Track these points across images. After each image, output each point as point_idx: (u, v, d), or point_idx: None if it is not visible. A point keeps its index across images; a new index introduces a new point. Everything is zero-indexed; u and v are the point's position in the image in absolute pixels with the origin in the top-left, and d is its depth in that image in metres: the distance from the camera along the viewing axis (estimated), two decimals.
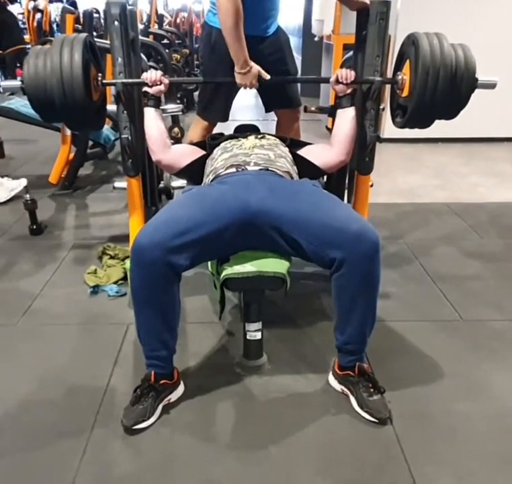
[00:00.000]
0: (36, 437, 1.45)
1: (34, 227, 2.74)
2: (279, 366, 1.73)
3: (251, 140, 1.89)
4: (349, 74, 1.86)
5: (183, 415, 1.53)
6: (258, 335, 1.67)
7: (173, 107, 2.75)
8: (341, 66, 2.45)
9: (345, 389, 1.60)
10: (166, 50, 4.60)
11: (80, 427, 1.47)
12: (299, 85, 2.52)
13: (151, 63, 3.64)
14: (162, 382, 1.52)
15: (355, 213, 1.54)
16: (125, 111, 1.96)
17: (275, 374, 1.70)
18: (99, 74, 1.87)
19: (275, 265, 1.54)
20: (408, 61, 1.82)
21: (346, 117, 1.90)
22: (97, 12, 7.24)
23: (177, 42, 6.23)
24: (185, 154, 1.95)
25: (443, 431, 1.47)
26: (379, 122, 2.10)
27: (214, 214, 1.47)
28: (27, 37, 8.49)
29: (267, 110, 2.57)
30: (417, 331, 1.93)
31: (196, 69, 7.45)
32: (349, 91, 1.89)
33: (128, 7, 1.95)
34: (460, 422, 1.51)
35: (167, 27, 7.60)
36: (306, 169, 1.87)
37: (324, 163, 1.89)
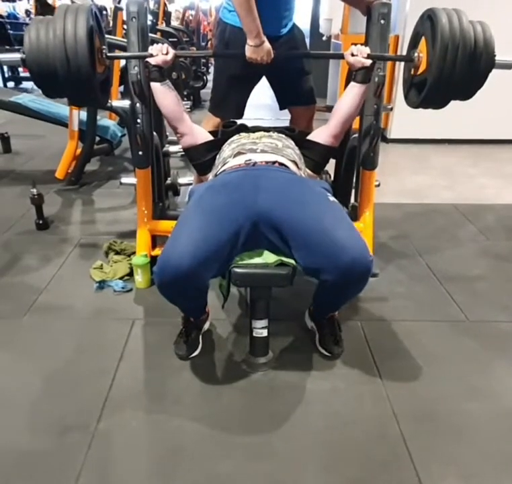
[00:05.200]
0: (42, 431, 1.45)
1: (40, 222, 2.74)
2: (285, 364, 1.73)
3: (259, 132, 1.90)
4: (362, 49, 1.84)
5: (189, 411, 1.53)
6: (264, 333, 1.67)
7: None
8: None
9: (314, 326, 1.84)
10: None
11: (85, 421, 1.48)
12: (313, 84, 2.50)
13: None
14: (200, 318, 1.82)
15: (355, 234, 1.47)
16: (138, 103, 1.98)
17: (281, 371, 1.69)
18: (104, 47, 1.81)
19: (281, 257, 1.53)
20: (423, 38, 1.78)
21: (354, 94, 1.88)
22: (105, 10, 7.27)
23: (184, 39, 6.22)
24: (202, 132, 2.00)
25: (449, 431, 1.47)
26: (383, 117, 2.09)
27: (225, 224, 1.46)
28: None
29: (282, 108, 2.55)
30: (423, 331, 1.92)
31: (203, 67, 7.46)
32: (367, 63, 1.83)
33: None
34: (466, 422, 1.50)
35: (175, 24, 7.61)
36: (315, 152, 1.92)
37: (325, 139, 1.93)
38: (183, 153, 2.76)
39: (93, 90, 1.74)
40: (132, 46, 1.94)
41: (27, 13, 11.92)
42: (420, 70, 1.81)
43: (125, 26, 3.83)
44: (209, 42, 9.57)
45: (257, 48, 1.97)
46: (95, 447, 1.39)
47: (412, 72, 1.88)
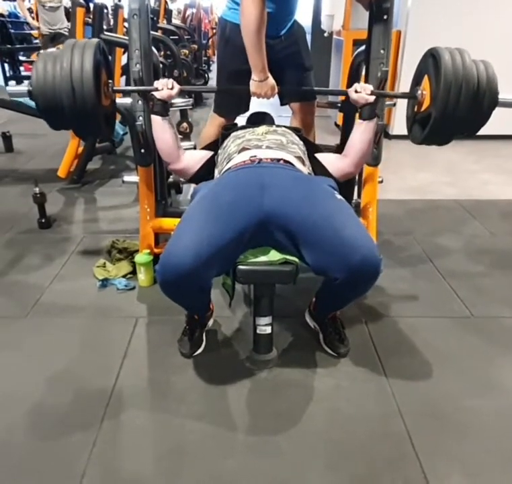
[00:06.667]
0: (46, 430, 1.45)
1: (43, 221, 2.74)
2: (289, 361, 1.72)
3: (263, 127, 1.89)
4: (366, 86, 1.82)
5: (192, 409, 1.53)
6: (268, 330, 1.66)
7: (182, 101, 2.74)
8: (353, 61, 2.44)
9: (317, 326, 1.84)
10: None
11: (90, 419, 1.47)
12: (313, 78, 2.49)
13: (160, 59, 3.63)
14: (205, 315, 1.81)
15: (364, 232, 1.47)
16: (139, 101, 1.98)
17: (285, 368, 1.69)
18: (110, 81, 1.83)
19: (285, 255, 1.53)
20: (427, 76, 1.78)
21: (362, 131, 1.82)
22: (105, 8, 7.24)
23: (185, 37, 6.21)
24: (196, 160, 1.93)
25: (454, 428, 1.46)
26: (386, 113, 2.07)
27: (231, 223, 1.45)
28: (34, 32, 8.49)
29: (283, 103, 2.55)
30: (428, 327, 1.92)
31: (204, 65, 7.45)
32: (370, 100, 1.79)
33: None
34: (471, 418, 1.50)
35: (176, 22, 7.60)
36: (319, 172, 1.86)
37: (335, 170, 1.87)
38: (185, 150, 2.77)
39: (98, 123, 1.74)
40: (134, 43, 1.94)
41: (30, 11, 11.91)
42: (423, 107, 1.80)
43: (126, 24, 3.82)
44: (210, 40, 9.57)
45: (261, 83, 1.97)
46: (100, 445, 1.39)
47: (415, 108, 1.87)
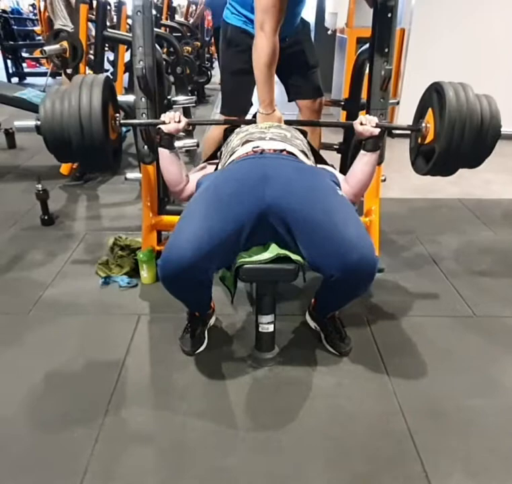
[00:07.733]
0: (49, 426, 1.45)
1: (46, 217, 2.75)
2: (291, 359, 1.72)
3: (267, 123, 1.88)
4: (371, 118, 1.78)
5: (194, 405, 1.53)
6: (270, 328, 1.66)
7: (185, 99, 2.75)
8: (356, 60, 2.43)
9: (318, 326, 1.85)
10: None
11: (92, 416, 1.48)
12: (319, 75, 2.49)
13: (163, 56, 3.63)
14: (206, 313, 1.83)
15: (363, 232, 1.46)
16: (143, 98, 1.98)
17: (287, 366, 1.69)
18: (117, 115, 1.83)
19: (287, 252, 1.52)
20: (431, 110, 1.78)
21: (365, 162, 1.77)
22: (109, 4, 7.23)
23: (188, 34, 6.20)
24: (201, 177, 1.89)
25: (456, 427, 1.46)
26: (389, 111, 2.07)
27: (231, 216, 1.44)
28: (37, 28, 8.48)
29: (290, 99, 2.55)
30: (430, 326, 1.92)
31: (207, 62, 7.43)
32: (375, 132, 1.75)
33: None
34: (473, 417, 1.50)
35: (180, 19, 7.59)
36: None
37: None
38: (187, 149, 2.76)
39: (106, 158, 1.73)
40: (137, 39, 1.95)
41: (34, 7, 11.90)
42: (427, 140, 1.81)
43: (129, 21, 3.81)
44: (212, 37, 9.54)
45: (267, 116, 1.95)
46: (102, 441, 1.40)
47: (419, 141, 1.88)
